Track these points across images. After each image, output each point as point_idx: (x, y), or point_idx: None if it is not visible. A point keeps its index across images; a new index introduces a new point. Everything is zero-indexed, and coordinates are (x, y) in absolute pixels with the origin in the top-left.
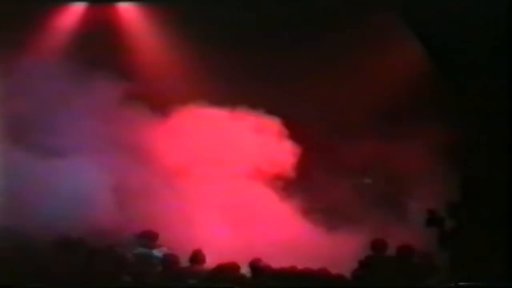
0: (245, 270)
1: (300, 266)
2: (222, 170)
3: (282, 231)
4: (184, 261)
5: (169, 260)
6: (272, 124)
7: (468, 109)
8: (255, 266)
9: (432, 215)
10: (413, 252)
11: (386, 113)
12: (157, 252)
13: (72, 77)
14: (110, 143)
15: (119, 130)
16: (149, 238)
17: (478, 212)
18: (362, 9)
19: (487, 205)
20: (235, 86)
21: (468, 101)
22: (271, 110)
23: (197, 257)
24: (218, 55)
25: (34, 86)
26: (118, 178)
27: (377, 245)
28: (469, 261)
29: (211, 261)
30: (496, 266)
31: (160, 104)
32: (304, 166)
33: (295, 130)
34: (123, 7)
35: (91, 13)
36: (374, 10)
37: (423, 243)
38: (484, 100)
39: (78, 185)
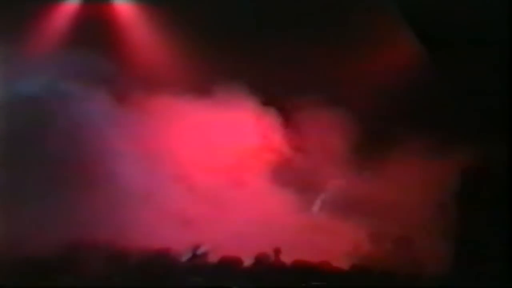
0: (247, 264)
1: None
2: (220, 165)
3: (282, 225)
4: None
5: None
6: (269, 115)
7: (466, 103)
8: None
9: None
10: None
11: (383, 106)
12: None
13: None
14: (109, 142)
15: (118, 127)
16: None
17: (477, 212)
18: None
19: (486, 203)
20: (232, 80)
21: (466, 94)
22: (267, 102)
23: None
24: (215, 50)
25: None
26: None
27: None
28: (468, 261)
29: (213, 256)
30: (496, 265)
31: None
32: (301, 157)
33: (291, 120)
34: (118, 5)
35: (86, 11)
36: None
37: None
38: (483, 94)
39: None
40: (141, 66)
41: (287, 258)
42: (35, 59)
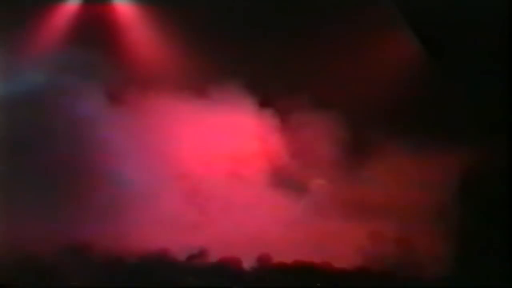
0: (247, 264)
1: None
2: (217, 166)
3: (283, 225)
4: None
5: None
6: (266, 116)
7: (466, 102)
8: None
9: None
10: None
11: (381, 104)
12: None
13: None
14: (108, 142)
15: (116, 127)
16: None
17: (477, 212)
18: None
19: (486, 203)
20: (230, 81)
21: (465, 93)
22: (264, 103)
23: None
24: (214, 50)
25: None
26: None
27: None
28: (468, 261)
29: (214, 257)
30: (496, 265)
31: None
32: (300, 157)
33: (288, 121)
34: (118, 6)
35: (86, 11)
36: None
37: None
38: (482, 93)
39: None
40: (140, 66)
41: (287, 258)
42: (35, 60)
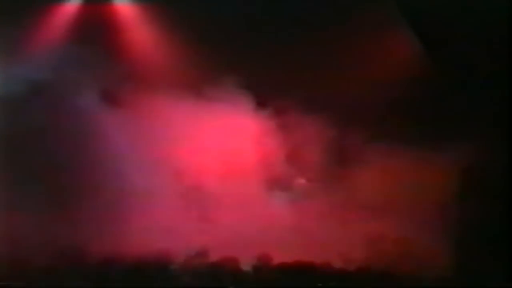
0: (245, 265)
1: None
2: (215, 167)
3: (282, 226)
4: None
5: None
6: (263, 117)
7: (466, 102)
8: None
9: None
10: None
11: (380, 104)
12: None
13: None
14: (105, 144)
15: (114, 128)
16: None
17: (476, 211)
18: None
19: (486, 202)
20: (230, 82)
21: (465, 93)
22: (261, 103)
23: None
24: (214, 50)
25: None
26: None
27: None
28: (468, 261)
29: (213, 257)
30: (496, 265)
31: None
32: (300, 158)
33: (288, 122)
34: (118, 6)
35: (86, 11)
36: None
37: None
38: (482, 93)
39: None
40: (139, 65)
41: (287, 259)
42: (35, 60)
